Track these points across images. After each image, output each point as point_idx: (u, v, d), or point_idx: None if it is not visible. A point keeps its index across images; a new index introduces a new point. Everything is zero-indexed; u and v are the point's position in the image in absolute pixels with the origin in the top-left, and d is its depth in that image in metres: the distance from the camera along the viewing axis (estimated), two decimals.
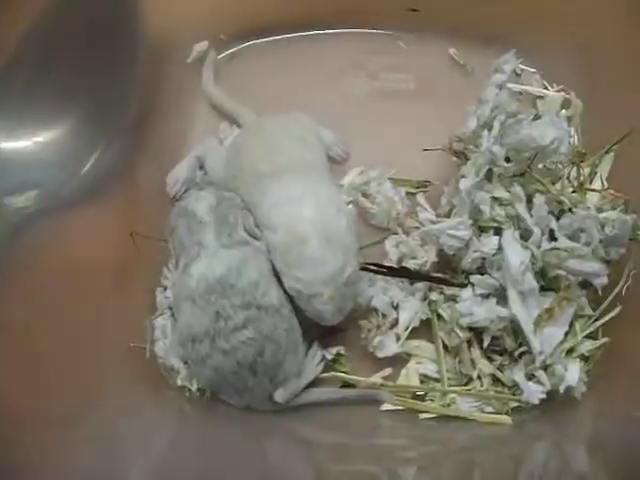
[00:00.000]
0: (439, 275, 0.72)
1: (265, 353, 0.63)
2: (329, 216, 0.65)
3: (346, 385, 0.71)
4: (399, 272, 0.72)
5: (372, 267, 0.71)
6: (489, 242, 0.68)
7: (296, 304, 0.66)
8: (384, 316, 0.71)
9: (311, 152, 0.71)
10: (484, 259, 0.69)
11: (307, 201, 0.65)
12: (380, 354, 0.70)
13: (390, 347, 0.70)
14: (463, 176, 0.70)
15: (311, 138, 0.73)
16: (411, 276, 0.72)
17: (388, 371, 0.72)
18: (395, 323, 0.72)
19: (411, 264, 0.71)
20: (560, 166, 0.71)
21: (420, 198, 0.76)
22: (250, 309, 0.63)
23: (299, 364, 0.68)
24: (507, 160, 0.68)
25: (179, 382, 0.70)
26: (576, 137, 0.78)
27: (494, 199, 0.69)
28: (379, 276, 0.72)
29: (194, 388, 0.70)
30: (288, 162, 0.68)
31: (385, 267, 0.72)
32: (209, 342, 0.63)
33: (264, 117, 0.78)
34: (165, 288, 0.75)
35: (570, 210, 0.68)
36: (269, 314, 0.64)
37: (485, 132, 0.69)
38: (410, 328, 0.71)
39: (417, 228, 0.73)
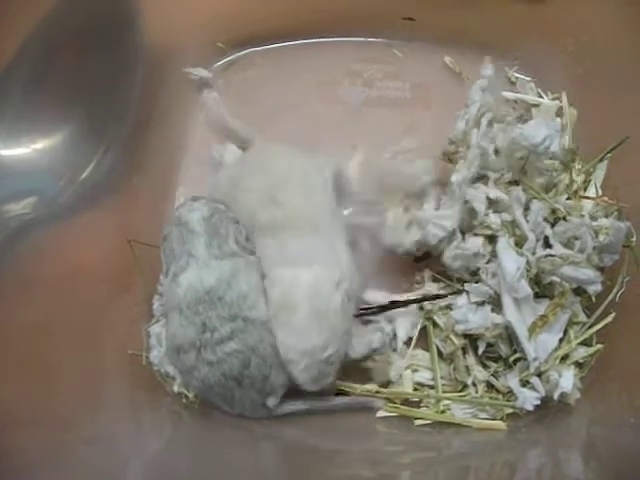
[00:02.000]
0: (430, 294, 0.72)
1: (251, 365, 0.63)
2: (325, 292, 0.64)
3: (341, 392, 0.71)
4: (389, 307, 0.72)
5: (362, 311, 0.71)
6: (473, 243, 0.69)
7: None
8: (385, 347, 0.71)
9: (315, 205, 0.68)
10: (479, 269, 0.70)
11: (306, 269, 0.64)
12: (395, 378, 0.71)
13: (400, 368, 0.71)
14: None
15: (319, 185, 0.70)
16: (404, 305, 0.72)
17: None
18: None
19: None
20: (554, 174, 0.72)
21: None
22: (236, 321, 0.63)
23: (285, 378, 0.67)
24: (496, 153, 0.70)
25: (175, 389, 0.71)
26: (569, 141, 0.78)
27: (490, 203, 0.70)
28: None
29: (191, 395, 0.71)
30: (288, 217, 0.66)
31: (374, 307, 0.72)
32: (195, 353, 0.63)
33: (272, 148, 0.75)
34: (161, 295, 0.75)
35: (564, 218, 0.69)
36: (255, 327, 0.64)
37: (474, 130, 0.71)
38: (414, 342, 0.72)
39: None
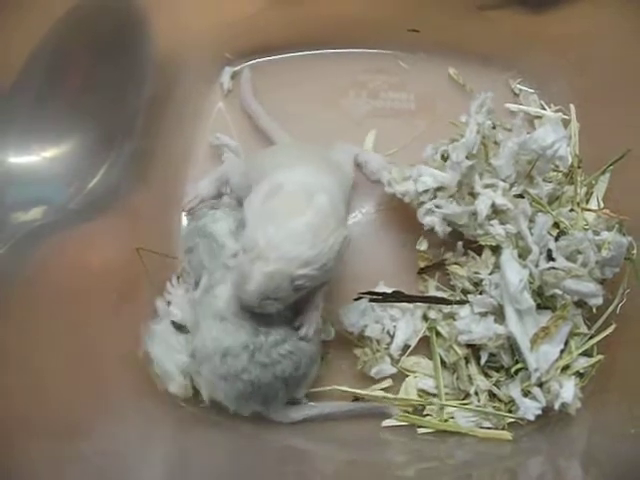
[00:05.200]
0: (436, 295, 0.73)
1: (301, 366, 0.65)
2: (331, 218, 0.61)
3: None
4: (393, 297, 0.73)
5: (366, 295, 0.72)
6: (452, 207, 0.70)
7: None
8: (378, 342, 0.72)
9: (339, 176, 0.70)
10: (481, 281, 0.71)
11: (323, 191, 0.62)
12: (377, 376, 0.72)
13: (387, 370, 0.72)
14: None
15: (345, 168, 0.75)
16: (406, 299, 0.73)
17: (388, 382, 0.73)
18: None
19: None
20: (558, 186, 0.73)
21: None
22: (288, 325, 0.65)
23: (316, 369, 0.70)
24: (495, 143, 0.74)
25: (171, 388, 0.70)
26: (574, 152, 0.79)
27: (495, 212, 0.71)
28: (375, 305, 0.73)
29: (186, 394, 0.70)
30: (316, 161, 0.69)
31: (379, 294, 0.73)
32: (247, 356, 0.63)
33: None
34: (169, 302, 0.75)
35: (565, 232, 0.70)
36: None
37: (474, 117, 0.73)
38: (411, 349, 0.73)
39: None
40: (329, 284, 0.67)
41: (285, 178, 0.63)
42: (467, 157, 0.70)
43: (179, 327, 0.72)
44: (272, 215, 0.60)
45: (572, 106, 0.82)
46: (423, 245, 0.76)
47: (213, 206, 0.73)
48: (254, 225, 0.60)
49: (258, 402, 0.67)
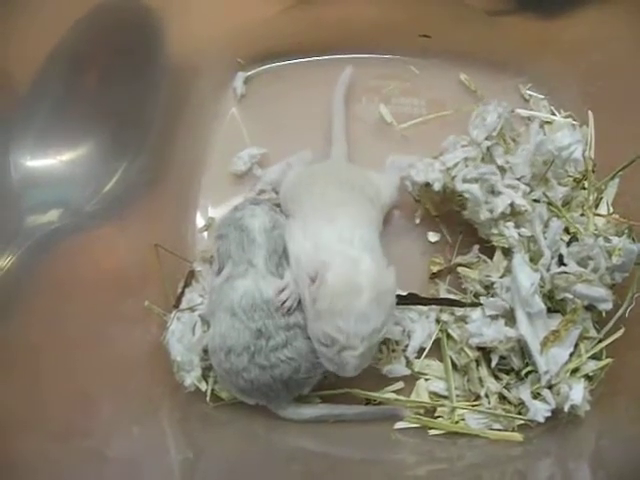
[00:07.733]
0: (449, 297, 0.74)
1: (301, 371, 0.65)
2: (382, 273, 0.64)
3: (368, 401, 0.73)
4: (408, 299, 0.74)
5: None
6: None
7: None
8: (397, 343, 0.73)
9: (376, 212, 0.72)
10: (492, 284, 0.72)
11: (367, 253, 0.64)
12: (390, 375, 0.73)
13: (399, 371, 0.73)
14: None
15: (382, 194, 0.75)
16: (421, 302, 0.74)
17: (400, 384, 0.74)
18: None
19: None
20: (569, 191, 0.75)
21: None
22: (292, 330, 0.65)
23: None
24: (514, 141, 0.78)
25: (188, 380, 0.71)
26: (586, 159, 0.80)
27: (513, 214, 0.72)
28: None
29: (204, 389, 0.72)
30: (357, 199, 0.70)
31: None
32: (248, 357, 0.65)
33: (354, 165, 0.80)
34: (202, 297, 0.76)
35: (576, 235, 0.71)
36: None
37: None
38: (426, 352, 0.73)
39: None
40: None
41: (325, 253, 0.64)
42: (486, 138, 0.72)
43: (203, 320, 0.74)
44: (333, 308, 0.61)
45: (590, 113, 0.82)
46: (436, 267, 0.78)
47: (254, 201, 0.74)
48: (326, 322, 0.61)
49: (260, 398, 0.68)
